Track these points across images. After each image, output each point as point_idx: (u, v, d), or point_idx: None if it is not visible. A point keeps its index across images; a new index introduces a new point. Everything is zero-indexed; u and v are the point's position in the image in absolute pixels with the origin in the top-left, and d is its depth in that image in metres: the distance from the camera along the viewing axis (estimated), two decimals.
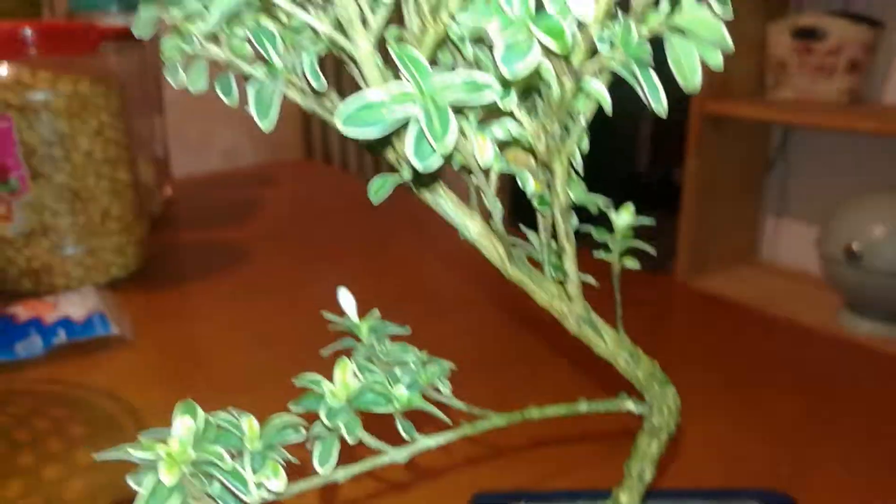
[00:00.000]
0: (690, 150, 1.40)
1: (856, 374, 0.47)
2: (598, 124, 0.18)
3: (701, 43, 0.16)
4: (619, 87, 0.16)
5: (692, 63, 0.16)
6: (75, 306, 0.54)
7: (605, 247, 0.23)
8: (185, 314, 0.59)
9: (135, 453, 0.15)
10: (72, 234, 0.59)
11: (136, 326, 0.53)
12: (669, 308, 0.59)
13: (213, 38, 0.18)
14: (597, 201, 0.20)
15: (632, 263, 0.23)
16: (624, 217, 0.23)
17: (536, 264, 0.21)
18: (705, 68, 0.17)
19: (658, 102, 0.15)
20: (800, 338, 0.53)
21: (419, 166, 0.14)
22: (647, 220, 0.22)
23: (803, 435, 0.39)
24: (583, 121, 0.16)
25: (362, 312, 0.23)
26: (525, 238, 0.22)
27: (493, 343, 0.50)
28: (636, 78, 0.15)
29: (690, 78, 0.17)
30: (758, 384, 0.44)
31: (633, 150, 1.63)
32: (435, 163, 0.15)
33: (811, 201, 1.57)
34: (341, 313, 0.23)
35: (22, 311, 0.53)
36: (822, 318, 1.33)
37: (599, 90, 0.16)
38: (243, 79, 0.19)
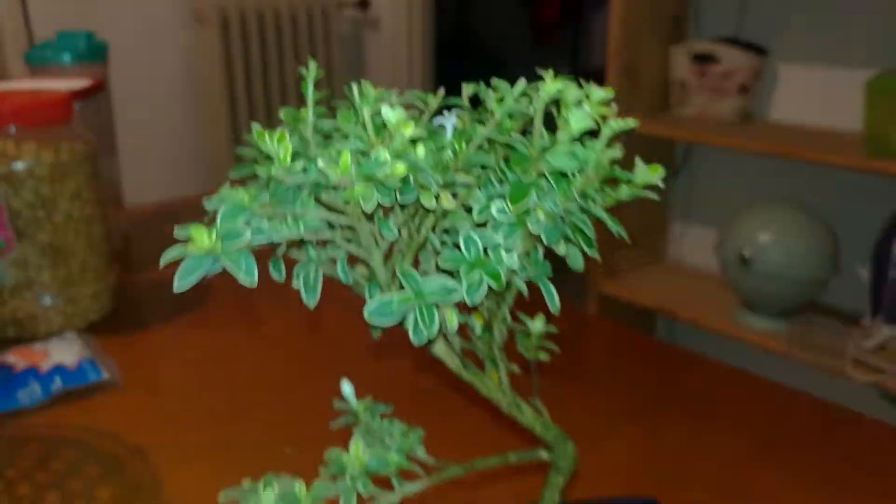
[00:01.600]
0: None
1: (735, 396, 0.59)
2: None
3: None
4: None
5: (578, 260, 0.27)
6: (65, 353, 0.61)
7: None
8: (162, 353, 0.66)
9: None
10: (53, 286, 0.66)
11: (120, 368, 0.61)
12: (580, 340, 0.70)
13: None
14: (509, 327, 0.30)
15: (544, 356, 0.34)
16: (538, 325, 0.33)
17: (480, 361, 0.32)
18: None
19: (552, 303, 0.25)
20: (689, 364, 0.64)
21: (415, 342, 0.24)
22: (552, 329, 0.33)
23: (684, 451, 0.51)
24: (510, 300, 0.26)
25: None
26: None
27: (445, 402, 0.59)
28: (545, 284, 0.26)
29: (576, 265, 0.27)
30: (651, 409, 0.56)
31: None
32: (426, 340, 0.25)
33: (712, 208, 1.74)
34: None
35: (17, 361, 0.60)
36: (722, 315, 1.50)
37: (522, 286, 0.26)
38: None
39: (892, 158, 1.19)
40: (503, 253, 0.24)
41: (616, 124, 0.22)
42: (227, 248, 0.21)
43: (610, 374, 0.62)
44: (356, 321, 0.25)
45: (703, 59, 1.53)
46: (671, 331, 1.85)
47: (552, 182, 0.23)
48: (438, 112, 0.28)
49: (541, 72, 0.23)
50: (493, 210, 0.23)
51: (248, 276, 0.21)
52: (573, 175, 0.22)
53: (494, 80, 0.24)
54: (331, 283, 0.28)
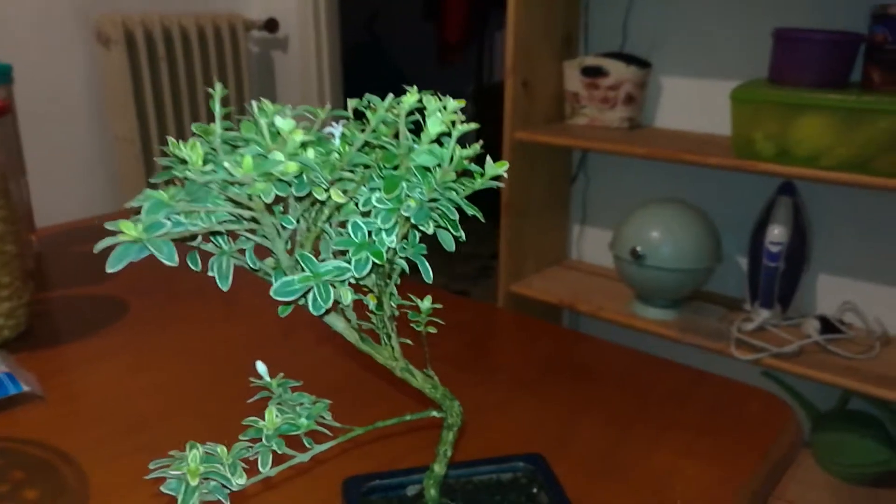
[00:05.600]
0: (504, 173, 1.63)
1: (615, 367, 0.67)
2: None
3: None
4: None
5: (449, 241, 0.33)
6: None
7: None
8: (81, 365, 0.68)
9: (172, 472, 0.29)
10: None
11: (40, 381, 0.63)
12: (483, 326, 0.77)
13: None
14: (398, 301, 0.36)
15: (432, 329, 0.39)
16: (426, 303, 0.39)
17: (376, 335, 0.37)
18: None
19: (427, 276, 0.31)
20: (576, 342, 0.72)
21: (314, 313, 0.30)
22: (437, 306, 0.39)
23: (569, 415, 0.58)
24: (396, 278, 0.32)
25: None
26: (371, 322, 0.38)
27: (351, 375, 0.65)
28: (421, 260, 0.31)
29: (448, 246, 0.33)
30: (543, 381, 0.63)
31: None
32: (323, 311, 0.30)
33: (607, 210, 1.86)
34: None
35: None
36: (619, 307, 1.61)
37: (403, 264, 0.32)
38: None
39: (755, 159, 1.32)
40: (384, 235, 0.29)
41: (462, 128, 0.28)
42: (150, 236, 0.25)
43: (510, 355, 0.69)
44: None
45: (592, 73, 1.65)
46: (576, 324, 1.96)
47: (418, 175, 0.28)
48: (331, 123, 0.33)
49: (406, 88, 0.29)
50: (374, 199, 0.29)
51: (169, 258, 0.25)
52: (434, 169, 0.28)
53: (368, 95, 0.29)
54: (249, 282, 0.33)
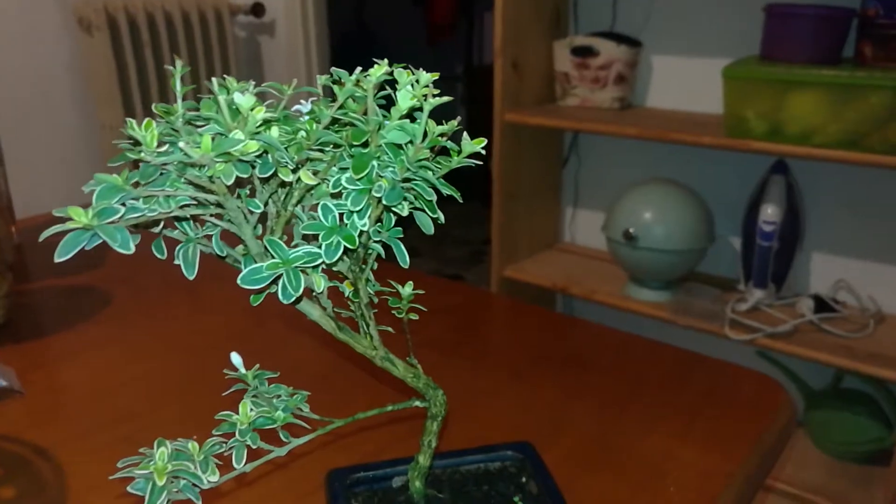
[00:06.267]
0: (495, 155, 1.61)
1: (606, 351, 0.66)
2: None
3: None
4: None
5: (427, 223, 0.31)
6: None
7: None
8: (62, 358, 0.66)
9: (138, 471, 0.28)
10: None
11: (21, 375, 0.61)
12: (472, 310, 0.76)
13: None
14: (375, 286, 0.34)
15: (414, 316, 0.38)
16: (407, 289, 0.38)
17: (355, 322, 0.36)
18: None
19: (403, 260, 0.29)
20: (568, 326, 0.71)
21: (284, 301, 0.28)
22: (419, 291, 0.37)
23: (559, 402, 0.56)
24: (372, 263, 0.31)
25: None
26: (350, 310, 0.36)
27: (331, 365, 0.64)
28: (396, 244, 0.30)
29: (426, 228, 0.31)
30: (534, 368, 0.62)
31: None
32: (293, 299, 0.28)
33: (599, 191, 1.85)
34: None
35: None
36: (613, 289, 1.60)
37: (378, 248, 0.30)
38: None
39: (747, 137, 1.31)
40: (356, 218, 0.28)
41: (434, 101, 0.26)
42: (102, 223, 0.24)
43: (499, 340, 0.68)
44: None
45: (583, 53, 1.63)
46: (570, 307, 1.95)
47: (390, 154, 0.27)
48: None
49: (375, 61, 0.27)
50: (343, 180, 0.27)
51: (122, 247, 0.24)
52: (406, 146, 0.26)
53: (335, 69, 0.28)
54: (231, 269, 0.31)
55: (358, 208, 0.27)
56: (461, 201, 0.28)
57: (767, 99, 1.27)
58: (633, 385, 0.58)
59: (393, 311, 0.38)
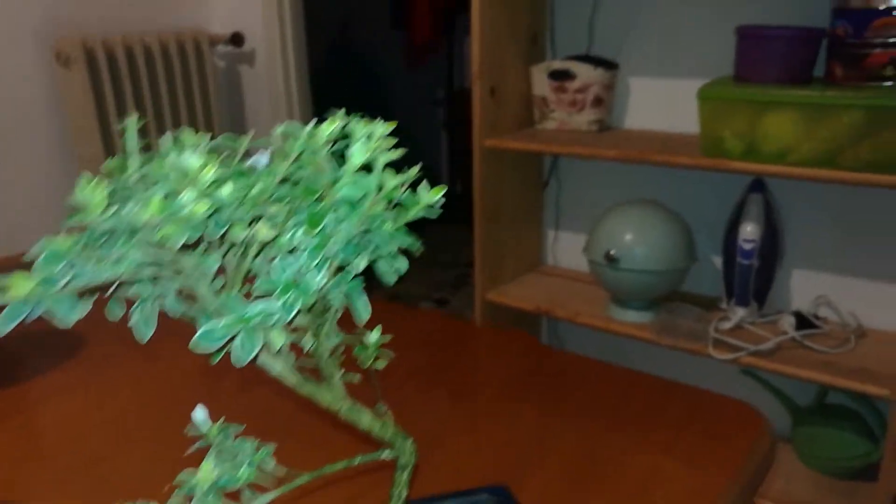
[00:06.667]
0: (476, 181, 1.62)
1: (584, 382, 0.65)
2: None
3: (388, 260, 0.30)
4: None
5: (388, 273, 0.31)
6: None
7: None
8: (35, 403, 0.65)
9: None
10: None
11: None
12: (452, 341, 0.75)
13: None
14: (337, 340, 0.34)
15: (381, 364, 0.37)
16: (373, 336, 0.37)
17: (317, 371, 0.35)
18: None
19: (359, 316, 0.29)
20: (544, 356, 0.71)
21: (238, 364, 0.27)
22: (385, 338, 0.37)
23: (535, 438, 0.56)
24: (335, 314, 0.30)
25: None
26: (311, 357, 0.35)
27: (299, 410, 0.63)
28: (358, 293, 0.29)
29: (386, 279, 0.31)
30: (509, 403, 0.61)
31: (440, 178, 1.82)
32: (248, 360, 0.28)
33: (580, 213, 1.85)
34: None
35: None
36: (595, 311, 1.60)
37: (339, 301, 0.30)
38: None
39: (724, 157, 1.32)
40: (311, 274, 0.27)
41: (386, 156, 0.26)
42: (46, 292, 0.23)
43: (477, 372, 0.67)
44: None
45: (560, 76, 1.64)
46: (554, 330, 1.94)
47: (345, 209, 0.26)
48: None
49: (331, 114, 0.27)
50: (298, 235, 0.27)
51: (64, 319, 0.23)
52: (361, 201, 0.26)
53: (290, 124, 0.27)
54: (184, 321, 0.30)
55: (313, 264, 0.27)
56: (416, 255, 0.27)
57: (743, 119, 1.28)
58: (612, 416, 0.58)
59: (357, 363, 0.37)
